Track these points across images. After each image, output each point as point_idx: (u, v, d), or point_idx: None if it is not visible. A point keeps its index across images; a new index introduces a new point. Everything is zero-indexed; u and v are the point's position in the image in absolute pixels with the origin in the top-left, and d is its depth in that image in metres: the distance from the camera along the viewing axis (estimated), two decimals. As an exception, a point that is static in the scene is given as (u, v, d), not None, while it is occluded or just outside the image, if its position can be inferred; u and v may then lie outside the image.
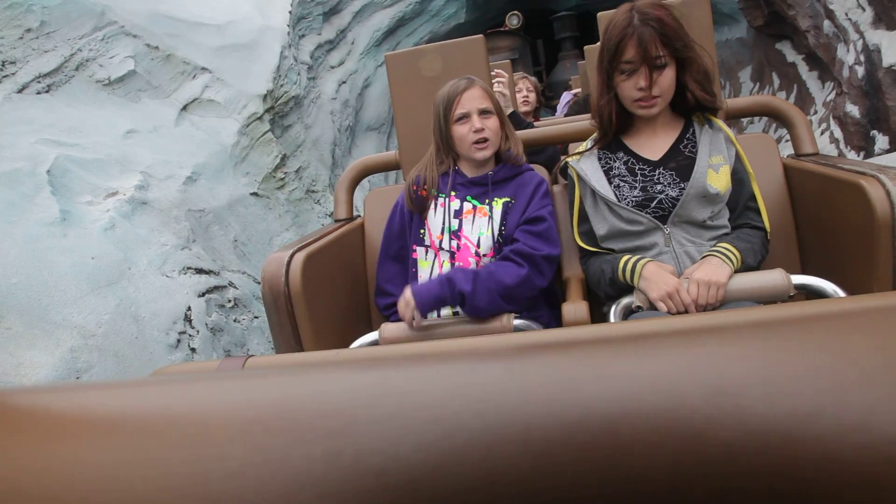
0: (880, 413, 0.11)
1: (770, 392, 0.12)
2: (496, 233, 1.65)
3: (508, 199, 1.68)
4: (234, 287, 3.07)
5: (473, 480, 0.12)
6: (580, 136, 1.91)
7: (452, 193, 1.70)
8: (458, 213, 1.69)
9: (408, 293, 1.53)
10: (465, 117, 1.65)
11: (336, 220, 2.03)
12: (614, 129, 1.57)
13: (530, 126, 2.43)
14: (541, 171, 1.87)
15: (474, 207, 1.69)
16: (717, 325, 0.14)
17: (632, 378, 0.13)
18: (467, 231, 1.67)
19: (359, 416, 0.13)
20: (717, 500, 0.11)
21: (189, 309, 2.68)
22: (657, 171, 1.52)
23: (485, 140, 1.65)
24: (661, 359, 0.13)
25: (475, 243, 1.66)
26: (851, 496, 0.11)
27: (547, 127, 2.21)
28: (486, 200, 1.68)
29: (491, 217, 1.66)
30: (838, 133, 4.78)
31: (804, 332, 0.13)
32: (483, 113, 1.65)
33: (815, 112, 5.41)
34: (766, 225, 1.55)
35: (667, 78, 1.46)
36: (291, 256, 1.56)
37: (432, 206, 1.71)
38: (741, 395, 0.12)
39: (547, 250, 1.60)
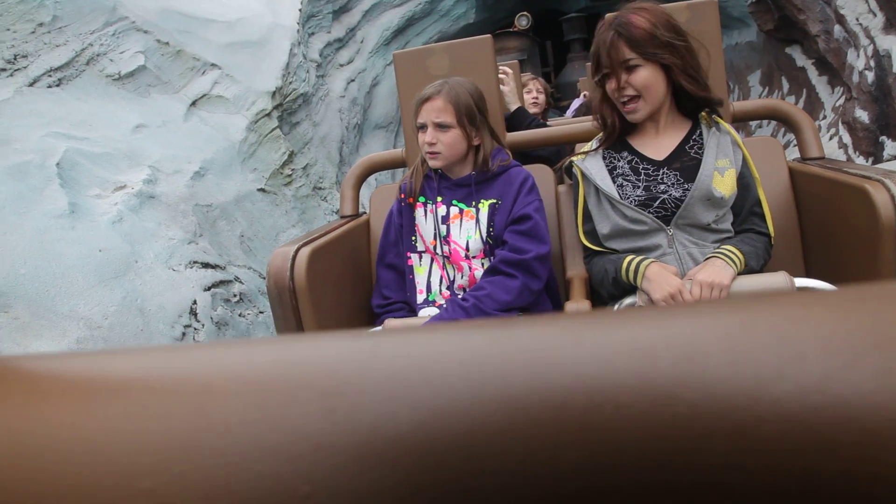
0: (837, 378, 0.12)
1: (734, 358, 0.13)
2: (484, 235, 1.66)
3: (495, 201, 1.68)
4: (240, 282, 3.09)
5: (455, 433, 0.13)
6: (587, 137, 1.92)
7: (439, 199, 1.71)
8: (446, 219, 1.70)
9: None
10: (423, 127, 1.66)
11: (342, 217, 2.04)
12: (618, 132, 1.58)
13: (535, 119, 2.43)
14: (542, 169, 1.87)
15: (461, 211, 1.70)
16: (690, 304, 0.15)
17: (606, 345, 0.13)
18: (455, 236, 1.68)
19: (352, 377, 0.14)
20: (683, 456, 0.12)
21: (195, 303, 2.69)
22: (661, 171, 1.52)
23: (435, 153, 1.66)
24: (634, 328, 0.14)
25: (464, 247, 1.67)
26: (808, 452, 0.12)
27: (554, 127, 2.21)
28: (472, 203, 1.69)
29: (478, 220, 1.67)
30: (847, 138, 4.77)
31: (771, 305, 0.14)
32: (439, 126, 1.64)
33: (825, 117, 5.39)
34: (771, 230, 1.55)
35: (639, 77, 1.47)
36: (297, 251, 1.57)
37: (422, 212, 1.72)
38: (707, 360, 0.13)
39: (536, 250, 1.60)
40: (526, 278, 1.58)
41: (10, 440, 0.15)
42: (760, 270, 1.50)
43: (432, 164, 1.68)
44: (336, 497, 0.13)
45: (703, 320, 0.13)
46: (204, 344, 0.17)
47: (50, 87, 3.34)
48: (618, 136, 1.59)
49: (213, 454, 0.14)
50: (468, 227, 1.68)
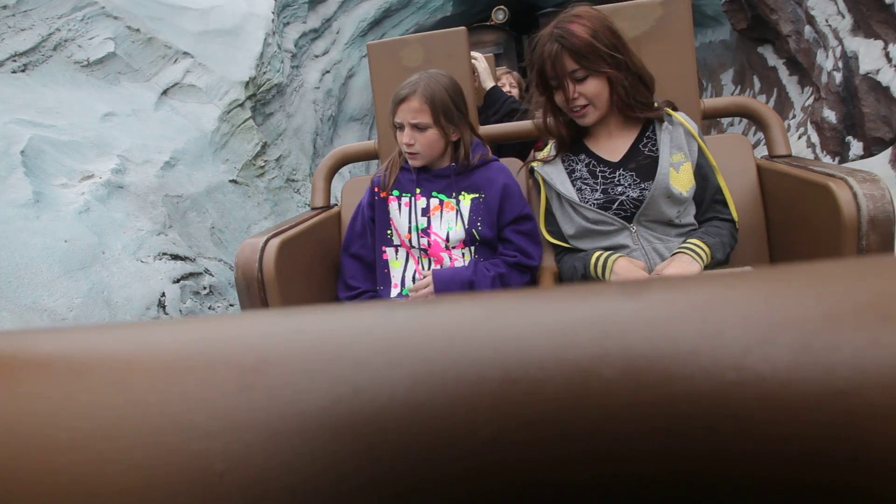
0: (754, 354, 0.12)
1: (652, 334, 0.13)
2: (467, 226, 1.66)
3: (477, 195, 1.68)
4: (210, 274, 3.05)
5: (372, 408, 0.13)
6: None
7: (418, 191, 1.71)
8: (426, 211, 1.70)
9: (428, 278, 1.64)
10: (400, 127, 1.65)
11: (313, 209, 2.03)
12: (570, 139, 1.60)
13: (511, 98, 2.44)
14: (513, 163, 1.87)
15: (441, 203, 1.69)
16: (613, 284, 0.15)
17: (526, 321, 0.13)
18: (436, 227, 1.68)
19: (272, 354, 0.14)
20: (596, 430, 0.12)
21: (163, 295, 2.65)
22: (617, 173, 1.53)
23: (413, 154, 1.66)
24: (556, 305, 0.14)
25: (444, 238, 1.67)
26: (722, 427, 0.12)
27: (526, 122, 2.22)
28: (453, 194, 1.69)
29: (459, 211, 1.67)
30: (815, 138, 4.86)
31: (694, 283, 0.14)
32: (415, 127, 1.64)
33: (794, 116, 5.49)
34: (734, 215, 1.56)
35: (590, 87, 1.47)
36: (266, 242, 1.55)
37: (396, 206, 1.72)
38: (625, 336, 0.13)
39: (538, 256, 1.69)
40: (525, 279, 1.67)
41: None
42: (727, 259, 1.52)
43: (412, 163, 1.69)
44: (251, 473, 0.13)
45: (623, 299, 0.13)
46: (130, 323, 0.17)
47: (14, 72, 3.25)
48: (570, 142, 1.60)
49: (132, 432, 0.14)
50: (449, 219, 1.68)
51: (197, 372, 0.14)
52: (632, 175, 1.52)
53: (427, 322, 0.14)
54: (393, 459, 0.12)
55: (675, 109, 1.60)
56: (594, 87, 1.47)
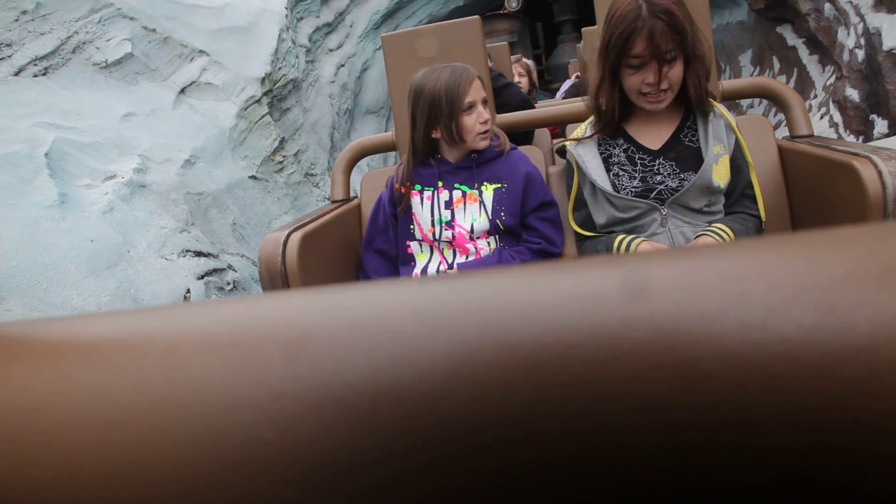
0: (778, 315, 0.13)
1: (678, 297, 0.13)
2: (490, 216, 1.66)
3: (500, 185, 1.68)
4: (233, 270, 3.09)
5: (410, 377, 0.13)
6: (576, 118, 1.92)
7: (440, 184, 1.71)
8: (449, 204, 1.70)
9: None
10: (472, 107, 1.64)
11: (333, 202, 2.04)
12: (616, 121, 1.53)
13: (523, 94, 2.44)
14: (533, 151, 1.87)
15: (464, 194, 1.70)
16: (639, 254, 0.15)
17: (557, 289, 0.14)
18: (460, 220, 1.68)
19: (313, 328, 0.15)
20: (626, 393, 0.13)
21: (188, 291, 2.69)
22: (657, 162, 1.51)
23: (488, 130, 1.67)
24: (584, 274, 0.14)
25: (469, 230, 1.67)
26: (748, 386, 0.12)
27: (542, 108, 2.21)
28: (475, 185, 1.69)
29: (482, 202, 1.67)
30: (838, 117, 4.77)
31: (718, 250, 0.14)
32: (485, 103, 1.66)
33: (815, 96, 5.39)
34: (762, 214, 1.54)
35: (676, 72, 1.41)
36: (288, 236, 1.57)
37: (418, 200, 1.72)
38: (653, 301, 0.13)
39: (561, 243, 1.71)
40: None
41: None
42: None
43: (484, 144, 1.68)
44: (297, 440, 0.14)
45: (649, 266, 0.14)
46: (175, 305, 0.18)
47: (36, 76, 3.31)
48: (616, 125, 1.54)
49: (181, 406, 0.15)
50: (472, 211, 1.68)
51: (241, 347, 0.15)
52: (671, 164, 1.49)
53: (461, 293, 0.14)
54: (431, 425, 0.13)
55: (714, 100, 1.58)
56: (678, 72, 1.42)
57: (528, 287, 0.14)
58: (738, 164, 1.52)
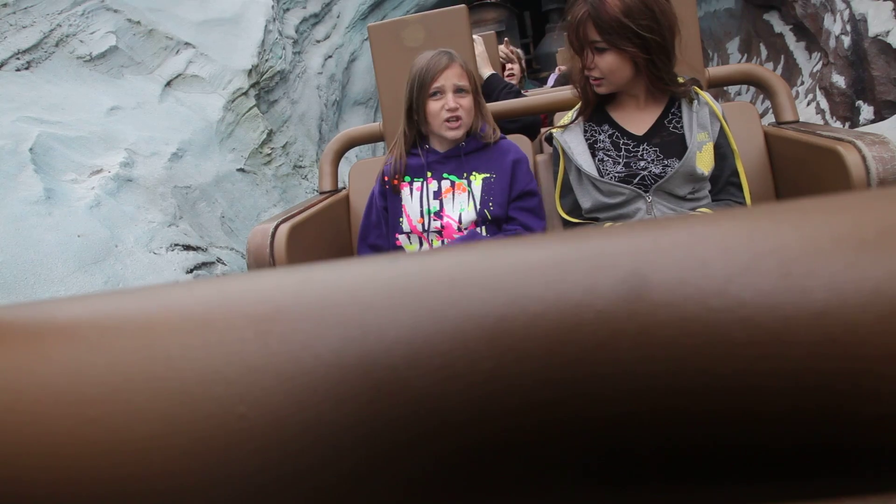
0: (737, 282, 0.13)
1: (639, 267, 0.13)
2: (478, 207, 1.66)
3: (488, 175, 1.68)
4: (223, 263, 3.08)
5: (379, 348, 0.14)
6: (564, 106, 1.92)
7: (429, 175, 1.71)
8: (438, 194, 1.69)
9: None
10: (439, 93, 1.62)
11: (321, 193, 2.03)
12: (593, 104, 1.56)
13: (510, 86, 2.41)
14: (521, 140, 1.87)
15: (452, 184, 1.69)
16: (604, 227, 0.16)
17: (523, 261, 0.14)
18: (449, 210, 1.68)
19: (284, 304, 0.15)
20: (587, 360, 0.13)
21: (177, 285, 2.68)
22: (641, 147, 1.52)
23: (457, 119, 1.63)
24: (550, 246, 0.14)
25: (457, 220, 1.67)
26: (708, 350, 0.13)
27: (531, 97, 2.21)
28: (464, 174, 1.68)
29: (471, 192, 1.67)
30: (824, 104, 4.80)
31: (676, 221, 0.15)
32: (458, 91, 1.63)
33: (802, 83, 5.42)
34: (748, 201, 1.55)
35: (605, 61, 1.43)
36: (276, 228, 1.57)
37: (408, 191, 1.71)
38: (614, 270, 0.13)
39: (540, 229, 1.67)
40: None
41: None
42: None
43: (453, 134, 1.65)
44: (269, 413, 0.14)
45: (611, 237, 0.14)
46: (149, 286, 0.18)
47: (19, 70, 3.27)
48: (594, 107, 1.57)
49: (157, 383, 0.15)
50: (461, 201, 1.67)
51: (215, 324, 0.15)
52: (655, 151, 1.50)
53: (428, 267, 0.15)
54: (400, 394, 0.13)
55: (700, 88, 1.58)
56: (611, 63, 1.44)
57: (495, 260, 0.14)
58: (722, 151, 1.53)
